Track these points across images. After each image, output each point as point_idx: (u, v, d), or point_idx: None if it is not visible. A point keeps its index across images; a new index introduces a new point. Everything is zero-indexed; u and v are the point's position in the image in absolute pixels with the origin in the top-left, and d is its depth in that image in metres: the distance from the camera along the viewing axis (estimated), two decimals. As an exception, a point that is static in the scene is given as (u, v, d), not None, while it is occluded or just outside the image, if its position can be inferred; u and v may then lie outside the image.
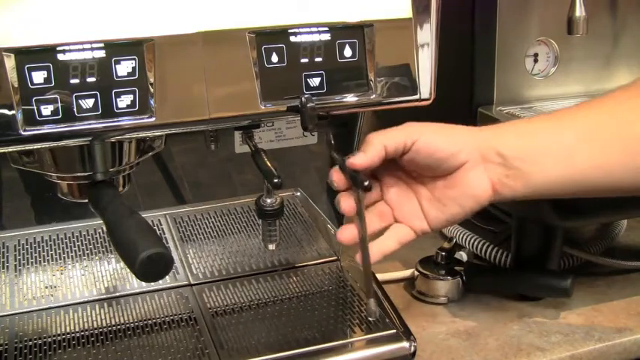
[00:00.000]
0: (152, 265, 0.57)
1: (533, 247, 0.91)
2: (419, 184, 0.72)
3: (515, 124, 0.76)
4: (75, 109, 0.60)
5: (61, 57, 0.59)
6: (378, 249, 0.70)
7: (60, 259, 0.89)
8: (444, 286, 0.90)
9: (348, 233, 0.69)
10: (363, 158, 0.67)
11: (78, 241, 0.91)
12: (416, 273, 0.92)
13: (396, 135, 0.69)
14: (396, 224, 0.72)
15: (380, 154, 0.68)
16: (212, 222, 0.96)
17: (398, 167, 0.72)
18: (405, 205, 0.72)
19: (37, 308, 0.82)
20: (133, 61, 0.61)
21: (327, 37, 0.67)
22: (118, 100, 0.61)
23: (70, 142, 0.62)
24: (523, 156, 0.69)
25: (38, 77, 0.58)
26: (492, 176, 0.70)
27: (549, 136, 0.71)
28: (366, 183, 0.67)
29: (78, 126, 0.60)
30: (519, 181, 0.69)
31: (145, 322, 0.80)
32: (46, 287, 0.85)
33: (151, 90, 0.62)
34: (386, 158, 0.69)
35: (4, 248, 0.89)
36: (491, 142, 0.70)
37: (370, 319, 0.78)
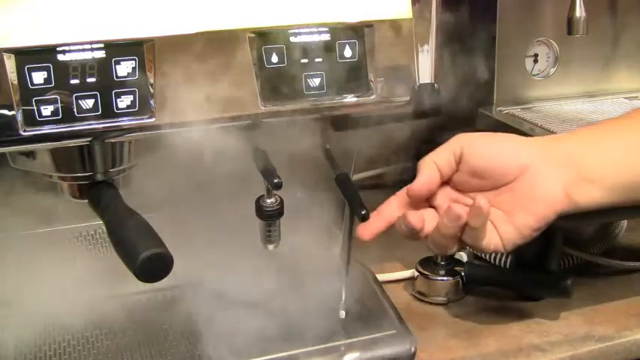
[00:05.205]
0: (152, 266, 0.57)
1: (533, 247, 0.90)
2: None
3: (578, 130, 0.74)
4: (75, 110, 0.60)
5: (61, 57, 0.59)
6: None
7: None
8: (444, 286, 0.90)
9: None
10: (419, 183, 0.66)
11: (78, 242, 0.91)
12: (416, 273, 0.92)
13: (441, 150, 0.68)
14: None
15: (435, 174, 0.67)
16: (212, 222, 0.96)
17: (459, 193, 0.69)
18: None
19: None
20: (133, 62, 0.61)
21: (327, 37, 0.67)
22: (118, 100, 0.61)
23: (70, 143, 0.62)
24: (592, 155, 0.66)
25: (38, 77, 0.58)
26: (563, 178, 0.66)
27: (616, 139, 0.68)
28: (364, 212, 0.66)
29: (78, 126, 0.60)
30: (595, 183, 0.66)
31: (145, 322, 0.80)
32: (47, 287, 0.85)
33: (151, 90, 0.62)
34: (442, 179, 0.67)
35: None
36: (555, 143, 0.67)
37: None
